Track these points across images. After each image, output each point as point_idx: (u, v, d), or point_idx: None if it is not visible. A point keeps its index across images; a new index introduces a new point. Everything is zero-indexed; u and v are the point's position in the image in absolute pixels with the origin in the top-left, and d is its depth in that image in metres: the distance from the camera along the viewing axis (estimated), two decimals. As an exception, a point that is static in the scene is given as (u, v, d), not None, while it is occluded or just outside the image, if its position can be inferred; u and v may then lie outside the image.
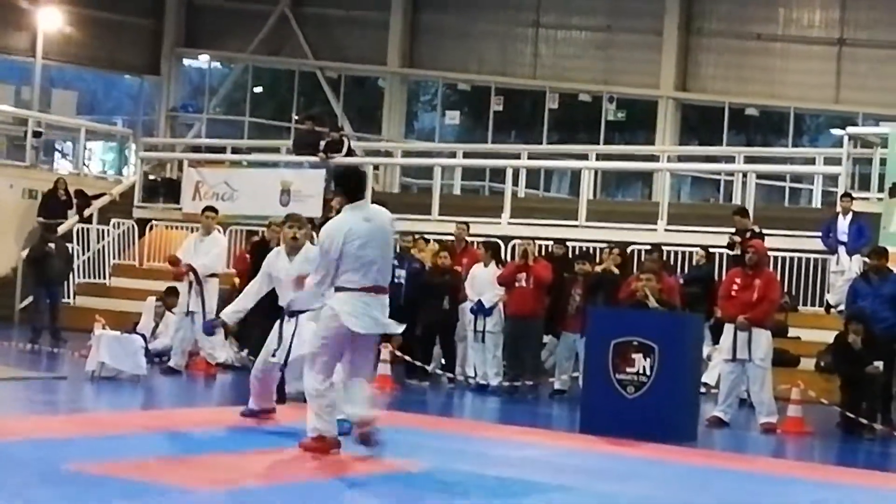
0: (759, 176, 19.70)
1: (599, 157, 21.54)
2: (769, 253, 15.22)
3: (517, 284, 14.57)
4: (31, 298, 18.49)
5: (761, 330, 12.34)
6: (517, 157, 21.65)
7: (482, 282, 14.93)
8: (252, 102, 30.22)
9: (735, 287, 12.53)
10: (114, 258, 21.60)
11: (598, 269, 14.60)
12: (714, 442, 11.42)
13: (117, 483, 6.93)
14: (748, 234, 15.80)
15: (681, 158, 22.87)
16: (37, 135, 24.77)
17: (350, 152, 21.05)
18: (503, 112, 27.27)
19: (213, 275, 14.83)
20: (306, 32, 28.58)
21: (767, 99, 25.17)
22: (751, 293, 12.37)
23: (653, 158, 22.83)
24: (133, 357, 13.30)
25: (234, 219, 20.13)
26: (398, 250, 16.31)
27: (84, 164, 26.54)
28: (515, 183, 20.81)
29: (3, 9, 27.34)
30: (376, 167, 22.46)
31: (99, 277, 21.35)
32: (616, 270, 14.30)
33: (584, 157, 21.13)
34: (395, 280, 15.40)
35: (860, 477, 9.53)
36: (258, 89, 30.97)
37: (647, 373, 10.63)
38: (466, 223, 16.77)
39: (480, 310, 14.88)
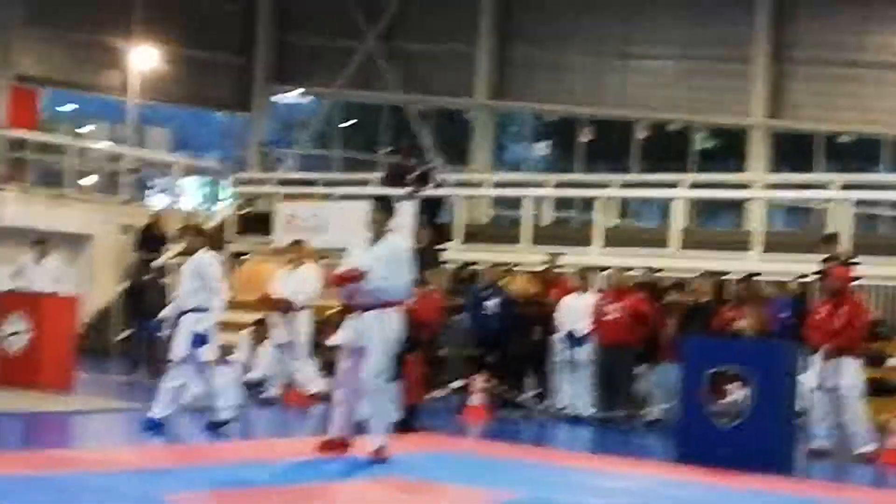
0: (856, 203, 19.39)
1: (691, 185, 21.37)
2: (864, 281, 15.04)
3: (609, 315, 14.50)
4: (128, 331, 18.81)
5: (849, 358, 12.14)
6: (607, 186, 21.56)
7: (574, 311, 14.87)
8: (341, 136, 30.51)
9: (820, 315, 12.36)
10: (208, 291, 21.85)
11: (691, 298, 14.47)
12: (812, 472, 11.22)
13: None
14: (836, 262, 15.56)
15: (773, 186, 22.59)
16: (132, 171, 25.27)
17: (439, 184, 21.12)
18: (592, 142, 27.21)
19: (304, 307, 14.96)
20: (394, 66, 28.81)
21: (861, 125, 24.83)
22: (835, 320, 12.18)
23: (744, 187, 22.58)
24: (229, 388, 13.43)
25: (324, 251, 20.28)
26: (486, 281, 16.35)
27: (177, 200, 26.97)
28: (606, 212, 20.72)
29: (97, 49, 27.97)
30: (466, 198, 22.50)
31: (194, 310, 21.60)
32: (709, 299, 14.17)
33: (675, 185, 20.97)
34: (485, 312, 15.45)
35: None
36: (347, 123, 31.26)
37: (743, 402, 10.49)
38: (557, 253, 16.72)
39: (572, 340, 14.82)
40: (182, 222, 23.65)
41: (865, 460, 11.83)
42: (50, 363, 13.77)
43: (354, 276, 9.35)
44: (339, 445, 9.56)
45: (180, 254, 11.35)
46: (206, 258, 11.20)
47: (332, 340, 9.76)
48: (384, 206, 9.90)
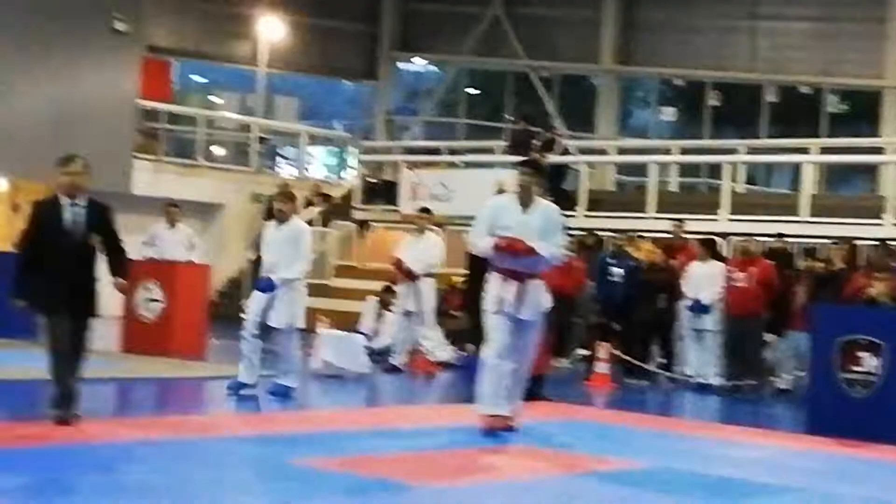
0: None
1: (821, 150, 20.91)
2: None
3: (737, 283, 14.30)
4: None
5: None
6: (734, 152, 21.21)
7: (699, 279, 14.70)
8: (466, 104, 30.51)
9: None
10: (335, 259, 22.15)
11: (822, 266, 14.20)
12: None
13: (342, 478, 7.09)
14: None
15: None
16: (261, 141, 25.64)
17: (564, 151, 21.04)
18: (720, 107, 26.79)
19: (430, 274, 15.04)
20: (519, 33, 28.68)
21: None
22: None
23: (877, 151, 22.02)
24: (356, 356, 13.63)
25: (450, 219, 20.35)
26: (612, 248, 16.25)
27: (305, 169, 27.30)
28: (733, 179, 20.40)
29: (227, 20, 28.37)
30: (591, 165, 22.35)
31: (321, 278, 21.91)
32: (841, 267, 13.89)
33: (805, 150, 20.54)
34: (611, 279, 15.37)
35: None
36: (472, 91, 31.24)
37: (876, 371, 10.28)
38: (682, 220, 16.53)
39: (698, 308, 14.66)
40: (310, 191, 24.01)
41: None
42: (183, 330, 14.06)
43: (527, 250, 8.91)
44: (502, 420, 9.18)
45: (276, 219, 11.29)
46: (303, 225, 11.30)
47: (489, 309, 9.04)
48: (534, 169, 9.40)
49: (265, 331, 11.09)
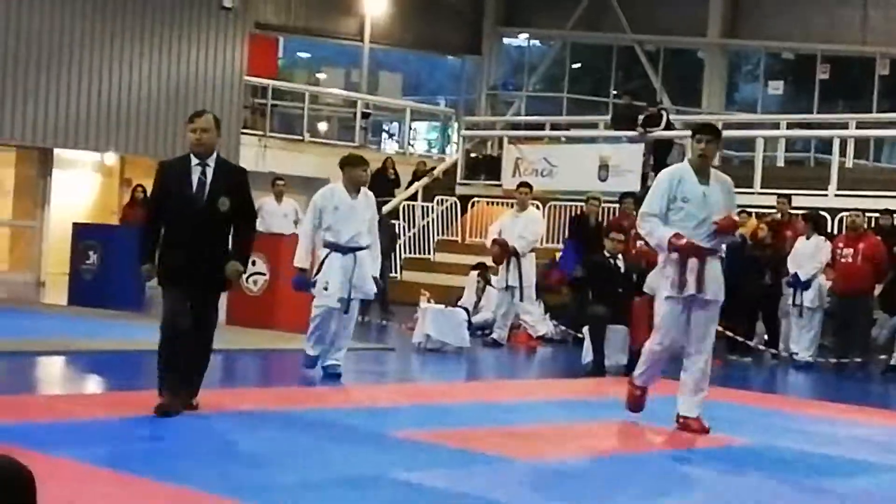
0: None
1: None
2: None
3: (844, 259, 14.08)
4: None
5: None
6: (844, 126, 20.84)
7: (804, 255, 14.49)
8: (570, 78, 30.37)
9: None
10: (438, 234, 22.26)
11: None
12: None
13: (444, 451, 7.14)
14: None
15: None
16: (365, 116, 25.83)
17: (669, 126, 20.85)
18: (829, 80, 26.30)
19: (531, 250, 15.04)
20: (624, 6, 28.44)
21: None
22: None
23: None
24: (457, 330, 13.70)
25: (553, 194, 20.33)
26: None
27: (409, 144, 27.43)
28: (843, 153, 20.04)
29: (332, -4, 28.61)
30: (697, 140, 22.11)
31: (424, 252, 22.04)
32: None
33: (917, 124, 20.14)
34: (716, 254, 15.20)
35: None
36: (576, 65, 31.08)
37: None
38: (788, 196, 16.30)
39: (797, 283, 14.45)
40: (414, 166, 24.13)
41: None
42: (286, 304, 14.22)
43: (731, 225, 8.42)
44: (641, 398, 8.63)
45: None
46: (371, 196, 10.68)
47: (663, 292, 8.25)
48: (714, 135, 8.54)
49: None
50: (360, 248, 10.28)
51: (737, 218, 8.82)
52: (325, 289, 10.23)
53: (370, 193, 10.64)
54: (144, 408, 7.52)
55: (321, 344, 10.44)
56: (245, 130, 23.23)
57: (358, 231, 10.27)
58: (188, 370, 7.65)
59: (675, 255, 8.16)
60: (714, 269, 8.29)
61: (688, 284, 8.15)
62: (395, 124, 29.14)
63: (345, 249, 10.21)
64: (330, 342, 10.40)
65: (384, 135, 29.65)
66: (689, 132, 21.56)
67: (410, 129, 27.69)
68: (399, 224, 21.39)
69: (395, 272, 20.32)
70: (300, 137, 24.50)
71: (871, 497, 6.70)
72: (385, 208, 20.65)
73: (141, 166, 23.21)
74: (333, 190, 10.48)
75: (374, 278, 10.51)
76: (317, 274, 10.35)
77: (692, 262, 8.16)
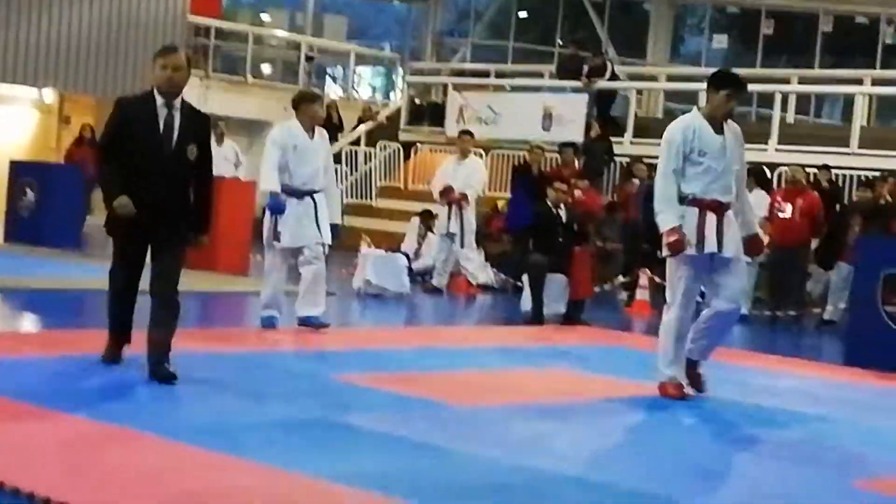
0: None
1: (875, 81, 20.63)
2: None
3: (781, 214, 14.22)
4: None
5: None
6: (787, 81, 20.97)
7: (745, 209, 14.60)
8: (516, 27, 30.24)
9: None
10: (380, 180, 22.20)
11: (872, 199, 14.10)
12: None
13: (383, 395, 7.17)
14: None
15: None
16: (309, 59, 25.59)
17: (613, 76, 20.88)
18: (774, 35, 26.40)
19: (472, 197, 15.06)
20: (571, -44, 28.35)
21: None
22: None
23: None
24: (397, 275, 13.72)
25: (496, 143, 20.33)
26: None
27: (353, 89, 27.26)
28: (784, 109, 20.19)
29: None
30: (639, 92, 22.18)
31: (365, 198, 21.98)
32: (889, 199, 13.78)
33: (859, 81, 20.28)
34: (653, 206, 15.28)
35: None
36: (523, 14, 30.96)
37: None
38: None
39: (734, 236, 14.57)
40: (358, 111, 24.00)
41: None
42: (228, 246, 14.13)
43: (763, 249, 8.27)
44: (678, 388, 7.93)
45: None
46: (325, 135, 10.11)
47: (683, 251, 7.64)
48: (738, 88, 7.85)
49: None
50: (316, 192, 9.72)
51: (765, 239, 8.67)
52: (277, 240, 9.70)
53: (325, 132, 10.08)
54: (79, 347, 7.46)
55: (273, 303, 9.80)
56: (187, 70, 22.95)
57: (315, 173, 9.71)
58: (159, 341, 6.93)
59: (693, 210, 7.67)
60: (733, 227, 7.81)
61: (706, 240, 7.66)
62: (340, 68, 28.91)
63: (300, 193, 9.64)
64: (303, 294, 9.79)
65: (328, 79, 29.43)
66: (634, 83, 21.71)
67: (354, 73, 27.50)
68: (341, 169, 21.29)
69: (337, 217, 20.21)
70: (243, 79, 24.26)
71: (803, 445, 6.81)
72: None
73: (81, 104, 22.90)
74: (290, 128, 9.78)
75: (333, 225, 9.94)
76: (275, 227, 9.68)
77: (710, 218, 7.69)
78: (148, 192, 6.81)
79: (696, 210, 7.70)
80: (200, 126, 7.23)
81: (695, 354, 8.02)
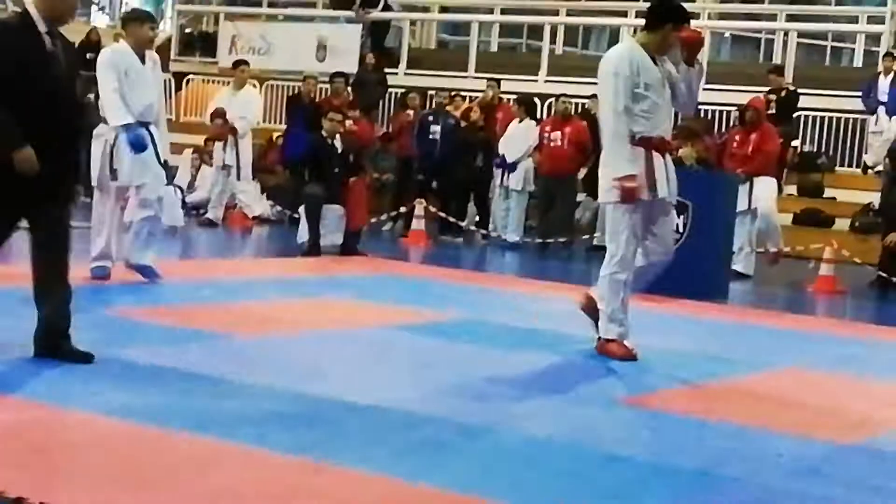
0: (801, 35, 19.41)
1: (639, 14, 21.25)
2: (806, 113, 15.26)
3: (552, 143, 14.56)
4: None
5: (761, 178, 12.90)
6: (556, 13, 21.38)
7: (514, 139, 14.91)
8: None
9: (735, 144, 13.14)
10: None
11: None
12: (746, 299, 11.50)
13: (154, 328, 7.11)
14: (783, 93, 15.75)
15: (721, 16, 22.50)
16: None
17: (386, 7, 20.88)
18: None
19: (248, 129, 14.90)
20: None
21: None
22: (748, 147, 12.98)
23: (694, 16, 22.47)
24: (170, 209, 13.44)
25: (269, 73, 20.12)
26: (433, 107, 16.35)
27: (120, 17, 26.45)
28: (553, 40, 20.60)
29: None
30: (413, 23, 22.26)
31: (136, 131, 21.43)
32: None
33: (624, 14, 20.85)
34: (430, 137, 15.47)
35: (890, 333, 9.58)
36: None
37: (680, 230, 10.66)
38: (497, 80, 16.67)
39: (504, 165, 14.90)
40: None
41: (772, 259, 13.10)
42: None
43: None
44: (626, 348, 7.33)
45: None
46: (158, 60, 9.17)
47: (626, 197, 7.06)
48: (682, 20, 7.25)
49: None
50: (149, 123, 8.80)
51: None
52: (114, 178, 8.83)
53: (157, 57, 9.04)
54: None
55: (108, 253, 8.95)
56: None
57: (150, 102, 8.76)
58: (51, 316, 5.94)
59: (639, 150, 7.05)
60: (671, 166, 7.34)
61: (658, 184, 7.13)
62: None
63: (136, 125, 8.68)
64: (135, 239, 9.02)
65: (94, 7, 28.45)
66: (407, 14, 21.72)
67: (121, 2, 26.67)
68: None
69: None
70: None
71: (571, 364, 7.07)
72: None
73: None
74: (123, 51, 8.76)
75: (164, 162, 9.06)
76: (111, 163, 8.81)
77: (658, 159, 7.14)
78: (48, 143, 5.64)
79: (643, 150, 7.08)
80: (76, 58, 6.28)
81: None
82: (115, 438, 4.70)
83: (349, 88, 17.35)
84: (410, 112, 16.25)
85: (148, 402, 5.22)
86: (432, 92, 17.20)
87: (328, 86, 17.46)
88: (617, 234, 7.20)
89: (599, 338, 7.33)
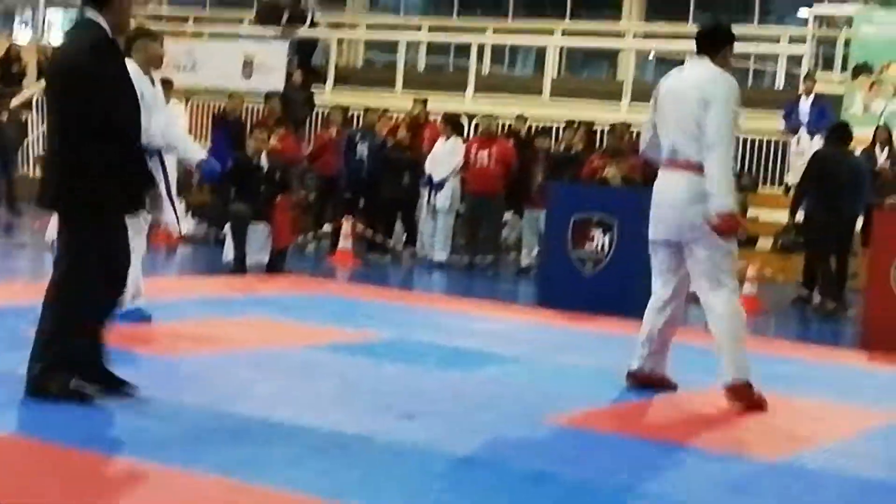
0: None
1: (565, 33, 21.42)
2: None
3: (478, 162, 14.61)
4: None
5: None
6: (482, 32, 21.49)
7: (441, 157, 14.92)
8: (214, -27, 29.70)
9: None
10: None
11: (562, 147, 14.68)
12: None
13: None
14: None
15: (646, 36, 22.73)
16: (-4, 1, 24.39)
17: (313, 24, 20.85)
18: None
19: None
20: None
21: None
22: None
23: (617, 36, 22.69)
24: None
25: (195, 91, 19.97)
26: (361, 125, 16.33)
27: (44, 33, 26.15)
28: (480, 59, 20.70)
29: None
30: (340, 41, 22.25)
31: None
32: (580, 148, 14.40)
33: (550, 33, 21.01)
34: (357, 156, 15.43)
35: (813, 352, 9.71)
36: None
37: (606, 249, 10.75)
38: (424, 99, 16.70)
39: (431, 184, 14.90)
40: (48, 57, 23.03)
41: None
42: None
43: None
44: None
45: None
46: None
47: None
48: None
49: None
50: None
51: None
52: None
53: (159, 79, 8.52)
54: None
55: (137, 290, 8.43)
56: None
57: (161, 127, 8.27)
58: None
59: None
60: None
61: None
62: (30, 11, 27.64)
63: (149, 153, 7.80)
64: None
65: (17, 23, 28.08)
66: (334, 32, 21.63)
67: (45, 17, 26.36)
68: (32, 118, 20.39)
69: (26, 169, 19.40)
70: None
71: (497, 383, 7.08)
72: (14, 101, 19.64)
73: None
74: (134, 72, 7.77)
75: None
76: None
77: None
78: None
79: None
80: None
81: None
82: (36, 460, 4.62)
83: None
84: (333, 130, 16.20)
85: (71, 424, 5.14)
86: (356, 111, 17.22)
87: (255, 104, 17.36)
88: (727, 264, 6.78)
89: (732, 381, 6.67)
